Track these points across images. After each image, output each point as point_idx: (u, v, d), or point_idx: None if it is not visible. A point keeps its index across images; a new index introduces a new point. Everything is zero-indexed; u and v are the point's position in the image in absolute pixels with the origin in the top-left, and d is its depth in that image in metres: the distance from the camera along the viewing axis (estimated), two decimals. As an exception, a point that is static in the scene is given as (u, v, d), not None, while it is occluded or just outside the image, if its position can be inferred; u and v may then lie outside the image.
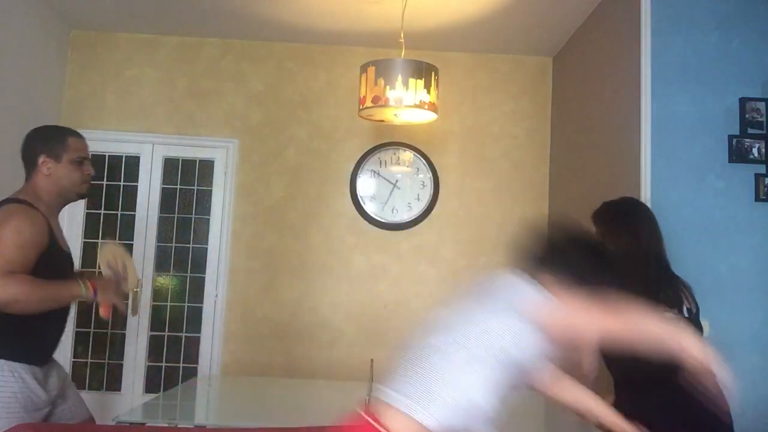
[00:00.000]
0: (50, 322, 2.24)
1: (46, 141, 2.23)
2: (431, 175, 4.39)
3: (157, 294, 4.33)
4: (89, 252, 4.25)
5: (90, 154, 2.35)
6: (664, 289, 2.24)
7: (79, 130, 4.26)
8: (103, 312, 2.13)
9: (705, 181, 2.90)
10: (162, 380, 4.26)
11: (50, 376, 2.23)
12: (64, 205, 2.33)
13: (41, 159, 2.21)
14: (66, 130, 2.32)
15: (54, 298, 2.08)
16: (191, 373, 4.21)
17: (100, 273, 2.40)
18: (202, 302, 4.31)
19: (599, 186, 3.51)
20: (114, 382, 4.25)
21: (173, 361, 4.29)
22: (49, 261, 2.12)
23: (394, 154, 4.42)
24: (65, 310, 2.33)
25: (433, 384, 1.40)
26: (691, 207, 2.88)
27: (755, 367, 2.81)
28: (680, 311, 2.21)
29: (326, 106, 4.45)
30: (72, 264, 2.42)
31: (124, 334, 4.26)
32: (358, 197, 4.37)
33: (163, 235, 4.37)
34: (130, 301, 2.14)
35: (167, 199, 4.39)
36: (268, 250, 4.34)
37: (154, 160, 4.39)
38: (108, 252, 2.39)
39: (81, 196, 2.33)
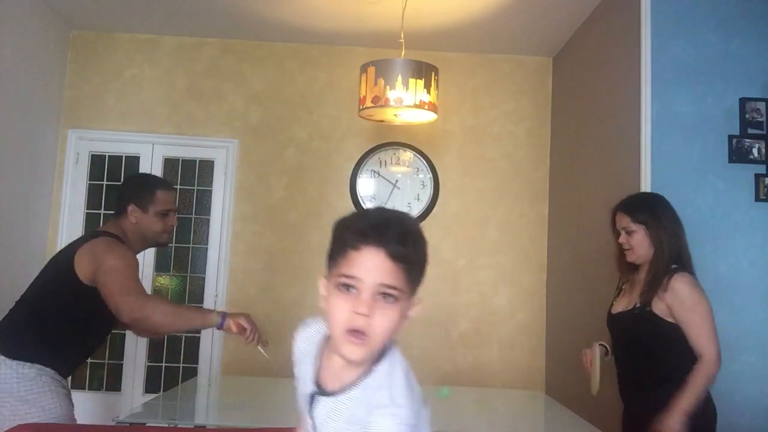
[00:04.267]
0: (88, 339, 2.38)
1: (138, 191, 2.42)
2: (431, 175, 4.39)
3: (157, 294, 4.33)
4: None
5: (176, 205, 2.51)
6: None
7: (79, 130, 4.34)
8: (234, 327, 2.20)
9: (705, 181, 2.90)
10: (162, 380, 4.26)
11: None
12: (144, 249, 2.49)
13: (131, 207, 2.39)
14: (157, 182, 2.50)
15: (187, 321, 2.24)
16: (191, 373, 4.21)
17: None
18: (202, 302, 4.31)
19: (599, 186, 3.51)
20: (114, 382, 4.25)
21: (173, 361, 4.29)
22: None
23: (394, 154, 4.42)
24: (106, 332, 2.46)
25: None
26: (691, 207, 2.88)
27: (755, 367, 2.81)
28: None
29: (326, 106, 4.45)
30: None
31: (124, 334, 4.25)
32: (358, 197, 4.37)
33: (163, 235, 4.36)
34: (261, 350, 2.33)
35: (167, 199, 4.39)
36: (268, 250, 4.34)
37: (154, 160, 4.39)
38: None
39: (159, 245, 2.50)
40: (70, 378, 2.42)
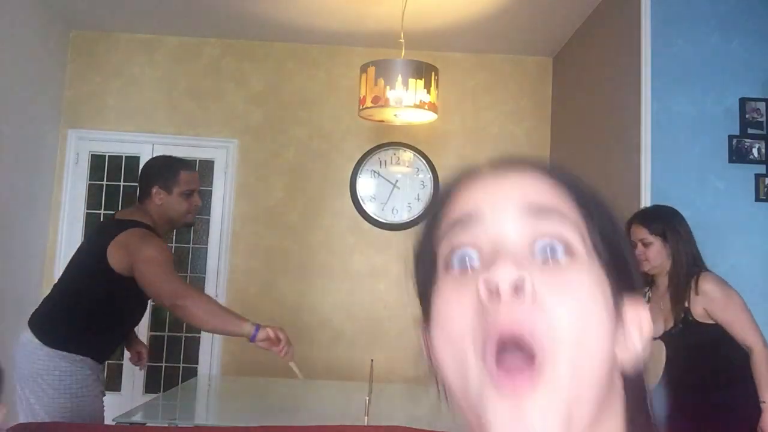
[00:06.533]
0: (123, 325, 2.47)
1: (161, 173, 2.40)
2: (431, 175, 4.39)
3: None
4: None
5: (199, 185, 2.49)
6: None
7: (79, 130, 4.34)
8: (271, 333, 2.21)
9: (705, 181, 2.90)
10: (162, 380, 4.26)
11: (101, 374, 2.45)
12: (170, 230, 2.53)
13: (155, 189, 2.38)
14: (179, 163, 2.45)
15: (222, 322, 2.22)
16: (191, 373, 4.21)
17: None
18: (202, 302, 4.31)
19: (599, 186, 3.50)
20: (114, 382, 4.24)
21: (173, 361, 4.29)
22: None
23: (394, 154, 4.42)
24: (139, 316, 2.52)
25: None
26: (691, 207, 2.87)
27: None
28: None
29: (326, 106, 4.45)
30: None
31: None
32: (358, 197, 4.36)
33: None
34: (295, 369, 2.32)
35: (167, 199, 4.39)
36: (268, 250, 4.34)
37: (154, 160, 4.39)
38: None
39: (186, 225, 2.53)
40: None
